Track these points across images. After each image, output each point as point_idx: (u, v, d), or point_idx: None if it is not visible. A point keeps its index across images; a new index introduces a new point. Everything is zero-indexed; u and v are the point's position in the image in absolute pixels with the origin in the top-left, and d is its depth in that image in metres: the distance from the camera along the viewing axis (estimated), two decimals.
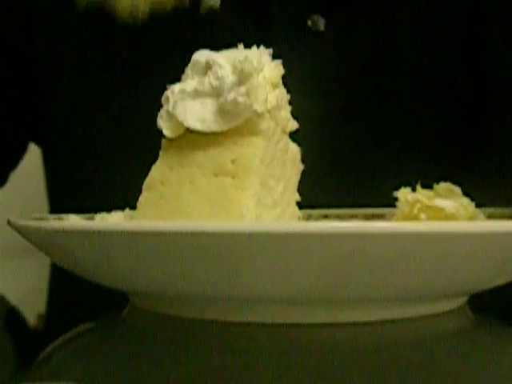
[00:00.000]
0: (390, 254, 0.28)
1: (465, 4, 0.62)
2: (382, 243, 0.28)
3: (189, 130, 0.36)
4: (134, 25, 0.61)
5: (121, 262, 0.31)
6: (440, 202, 0.38)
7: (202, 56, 0.36)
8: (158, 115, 0.36)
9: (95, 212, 0.41)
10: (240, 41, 0.37)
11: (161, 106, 0.36)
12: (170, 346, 0.31)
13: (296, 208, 0.40)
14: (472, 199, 0.39)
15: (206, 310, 0.32)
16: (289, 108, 0.38)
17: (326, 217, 0.47)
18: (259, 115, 0.35)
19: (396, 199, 0.40)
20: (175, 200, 0.35)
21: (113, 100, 0.62)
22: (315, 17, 0.61)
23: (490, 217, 0.41)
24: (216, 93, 0.35)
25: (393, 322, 0.32)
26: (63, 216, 0.41)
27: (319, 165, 0.56)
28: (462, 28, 0.62)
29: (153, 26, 0.62)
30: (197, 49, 0.37)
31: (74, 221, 0.40)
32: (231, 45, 0.37)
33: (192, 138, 0.36)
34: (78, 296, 0.43)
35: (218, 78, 0.35)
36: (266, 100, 0.35)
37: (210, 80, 0.35)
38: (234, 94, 0.34)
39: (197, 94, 0.36)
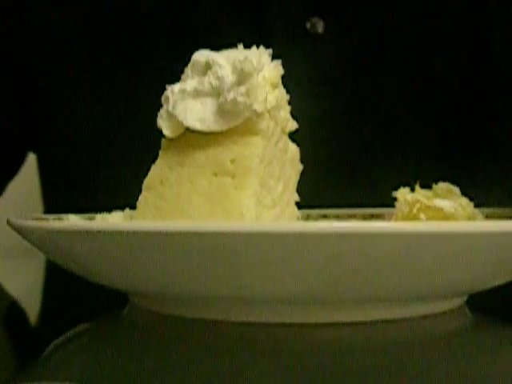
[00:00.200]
0: (390, 253, 0.28)
1: (464, 7, 0.62)
2: (382, 243, 0.28)
3: (189, 130, 0.36)
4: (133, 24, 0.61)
5: (121, 262, 0.31)
6: (439, 202, 0.38)
7: (201, 56, 0.36)
8: (158, 115, 0.36)
9: (95, 212, 0.41)
10: (237, 43, 0.37)
11: (161, 105, 0.36)
12: (169, 345, 0.31)
13: (295, 208, 0.40)
14: (471, 199, 0.39)
15: (206, 309, 0.32)
16: (288, 108, 0.38)
17: (324, 217, 0.47)
18: (259, 115, 0.35)
19: (395, 199, 0.40)
20: (175, 200, 0.35)
21: (113, 100, 0.62)
22: (314, 19, 0.61)
23: (488, 217, 0.41)
24: (216, 92, 0.35)
25: (393, 322, 0.32)
26: (63, 216, 0.41)
27: (318, 165, 0.56)
28: (462, 30, 0.62)
29: (153, 26, 0.62)
30: (196, 50, 0.37)
31: (73, 221, 0.40)
32: (230, 47, 0.37)
33: (192, 138, 0.36)
34: (78, 296, 0.43)
35: (217, 78, 0.35)
36: (265, 100, 0.35)
37: (209, 80, 0.35)
38: (234, 94, 0.34)
39: (197, 93, 0.36)
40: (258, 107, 0.34)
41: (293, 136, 0.40)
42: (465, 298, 0.36)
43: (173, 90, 0.36)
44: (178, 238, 0.28)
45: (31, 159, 0.70)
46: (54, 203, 0.69)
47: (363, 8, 0.62)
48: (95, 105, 0.63)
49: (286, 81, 0.37)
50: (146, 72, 0.61)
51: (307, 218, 0.45)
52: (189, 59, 0.37)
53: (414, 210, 0.38)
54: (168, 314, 0.34)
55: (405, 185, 0.40)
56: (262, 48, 0.36)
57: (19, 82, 0.66)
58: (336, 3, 0.62)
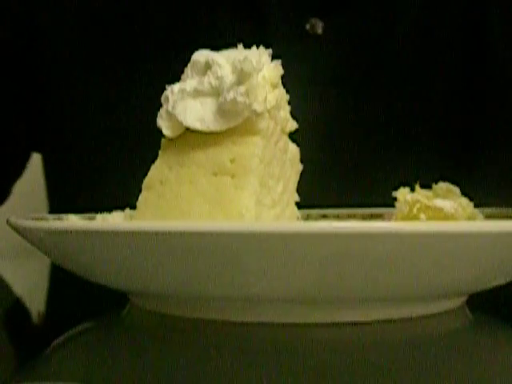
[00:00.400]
0: (390, 253, 0.28)
1: (464, 7, 0.62)
2: (382, 243, 0.28)
3: (188, 130, 0.36)
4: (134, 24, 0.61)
5: (121, 262, 0.31)
6: (439, 203, 0.38)
7: (201, 56, 0.36)
8: (158, 115, 0.36)
9: (96, 212, 0.41)
10: (236, 43, 0.37)
11: (160, 105, 0.36)
12: (170, 346, 0.31)
13: (295, 208, 0.40)
14: (471, 199, 0.39)
15: (206, 309, 0.32)
16: (288, 108, 0.38)
17: (324, 217, 0.47)
18: (258, 115, 0.35)
19: (395, 199, 0.40)
20: (175, 199, 0.35)
21: (112, 100, 0.62)
22: (313, 20, 0.61)
23: (488, 217, 0.41)
24: (215, 92, 0.35)
25: (393, 322, 0.32)
26: (63, 216, 0.40)
27: (318, 165, 0.56)
28: (462, 29, 0.62)
29: (153, 26, 0.62)
30: (196, 50, 0.37)
31: (73, 221, 0.40)
32: (230, 47, 0.37)
33: (191, 138, 0.36)
34: (78, 296, 0.43)
35: (217, 78, 0.35)
36: (265, 100, 0.35)
37: (209, 80, 0.35)
38: (234, 94, 0.34)
39: (196, 93, 0.36)
40: (258, 107, 0.34)
41: (293, 136, 0.39)
42: (465, 298, 0.36)
43: (173, 90, 0.36)
44: (178, 237, 0.28)
45: (36, 160, 0.70)
46: (56, 203, 0.69)
47: (362, 9, 0.62)
48: (95, 105, 0.63)
49: (286, 81, 0.37)
50: (146, 72, 0.61)
51: (307, 218, 0.45)
52: (189, 59, 0.37)
53: (414, 210, 0.38)
54: (168, 313, 0.34)
55: (405, 185, 0.40)
56: (261, 48, 0.36)
57: (22, 86, 0.66)
58: (335, 4, 0.62)
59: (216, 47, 0.37)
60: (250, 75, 0.34)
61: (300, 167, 0.41)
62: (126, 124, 0.62)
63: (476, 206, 0.39)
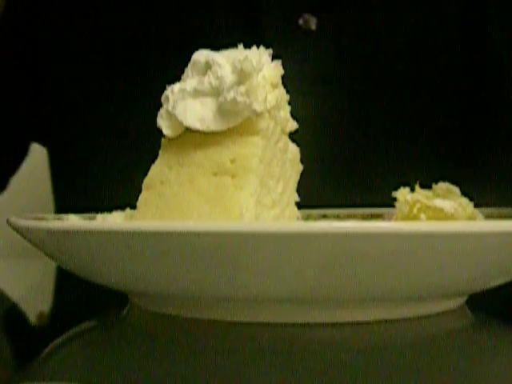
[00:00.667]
0: (390, 253, 0.28)
1: (462, 5, 0.62)
2: (382, 243, 0.28)
3: (188, 130, 0.36)
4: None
5: (121, 262, 0.31)
6: (440, 203, 0.38)
7: (201, 56, 0.36)
8: (158, 114, 0.36)
9: (96, 212, 0.41)
10: (232, 41, 0.37)
11: (161, 105, 0.37)
12: (170, 346, 0.31)
13: (295, 208, 0.40)
14: (471, 199, 0.39)
15: (206, 309, 0.32)
16: (288, 108, 0.38)
17: (324, 217, 0.47)
18: (258, 115, 0.35)
19: (395, 199, 0.40)
20: (175, 199, 0.35)
21: (113, 100, 0.62)
22: (307, 16, 0.61)
23: (488, 217, 0.41)
24: (216, 92, 0.35)
25: (393, 322, 0.32)
26: (63, 216, 0.41)
27: (318, 165, 0.56)
28: (461, 27, 0.62)
29: (153, 26, 0.62)
30: (189, 49, 0.37)
31: (73, 221, 0.40)
32: (222, 44, 0.37)
33: (191, 138, 0.36)
34: (78, 296, 0.43)
35: (217, 78, 0.35)
36: (265, 100, 0.35)
37: (209, 79, 0.35)
38: (234, 94, 0.34)
39: (196, 93, 0.36)
40: (258, 107, 0.34)
41: (293, 136, 0.39)
42: (465, 298, 0.36)
43: (173, 90, 0.36)
44: (178, 237, 0.28)
45: (38, 161, 0.70)
46: (56, 203, 0.69)
47: (356, 4, 0.61)
48: (95, 105, 0.63)
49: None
50: (146, 72, 0.61)
51: (307, 218, 0.45)
52: (189, 59, 0.37)
53: (414, 210, 0.38)
54: (168, 313, 0.34)
55: (405, 185, 0.40)
56: (262, 48, 0.36)
57: (22, 84, 0.66)
58: (329, 0, 0.61)
59: (216, 47, 0.37)
60: (250, 75, 0.34)
61: (300, 167, 0.41)
62: (126, 124, 0.62)
63: (476, 206, 0.39)
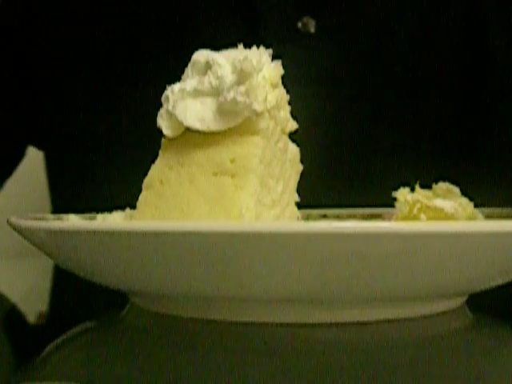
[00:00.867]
0: (390, 253, 0.28)
1: (460, 6, 0.61)
2: (382, 243, 0.28)
3: (188, 130, 0.36)
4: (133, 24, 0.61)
5: (121, 261, 0.31)
6: (439, 203, 0.38)
7: (201, 56, 0.36)
8: (158, 114, 0.36)
9: (96, 212, 0.41)
10: (231, 40, 0.37)
11: (160, 105, 0.37)
12: (170, 346, 0.31)
13: (295, 208, 0.40)
14: (471, 199, 0.39)
15: (206, 309, 0.32)
16: (288, 108, 0.38)
17: (324, 217, 0.47)
18: (258, 115, 0.35)
19: (395, 199, 0.40)
20: (174, 199, 0.35)
21: (113, 100, 0.62)
22: (305, 18, 0.61)
23: (488, 217, 0.41)
24: (216, 92, 0.35)
25: (393, 321, 0.32)
26: (63, 216, 0.41)
27: (318, 165, 0.56)
28: (460, 28, 0.62)
29: (153, 26, 0.62)
30: (189, 49, 0.37)
31: (73, 221, 0.40)
32: (222, 44, 0.37)
33: (191, 138, 0.36)
34: (78, 296, 0.43)
35: (217, 78, 0.35)
36: (265, 99, 0.35)
37: (209, 79, 0.35)
38: (234, 94, 0.34)
39: (196, 93, 0.36)
40: (258, 107, 0.34)
41: (293, 136, 0.39)
42: (465, 298, 0.36)
43: (173, 90, 0.36)
44: (177, 238, 0.28)
45: (36, 160, 0.70)
46: (56, 203, 0.69)
47: (355, 7, 0.61)
48: (95, 105, 0.63)
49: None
50: (146, 72, 0.61)
51: (307, 218, 0.45)
52: (189, 59, 0.37)
53: (415, 211, 0.38)
54: (168, 313, 0.34)
55: (405, 185, 0.40)
56: (262, 48, 0.36)
57: (18, 84, 0.66)
58: (328, 2, 0.61)
59: (216, 47, 0.37)
60: (250, 75, 0.34)
61: (300, 167, 0.41)
62: (126, 124, 0.62)
63: (476, 206, 0.39)
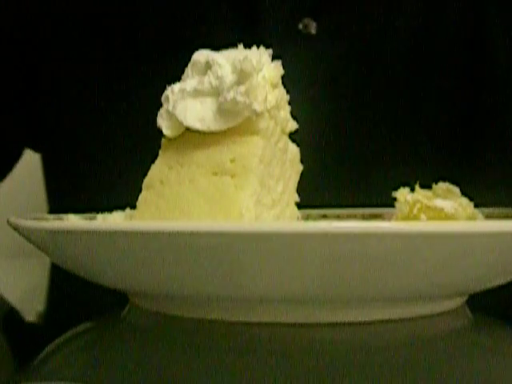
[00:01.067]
0: (390, 253, 0.28)
1: (460, 6, 0.61)
2: (382, 243, 0.28)
3: (188, 130, 0.36)
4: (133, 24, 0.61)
5: (121, 262, 0.31)
6: (440, 203, 0.38)
7: (201, 56, 0.36)
8: (158, 114, 0.36)
9: (96, 212, 0.41)
10: (231, 40, 0.37)
11: (161, 105, 0.37)
12: (170, 346, 0.31)
13: (295, 208, 0.40)
14: (471, 199, 0.39)
15: (206, 309, 0.32)
16: (288, 108, 0.38)
17: (324, 217, 0.47)
18: (258, 114, 0.35)
19: (395, 199, 0.40)
20: (174, 199, 0.35)
21: (113, 100, 0.62)
22: (306, 20, 0.61)
23: (488, 217, 0.41)
24: (216, 92, 0.35)
25: (393, 321, 0.32)
26: (63, 216, 0.41)
27: (318, 165, 0.56)
28: (460, 29, 0.62)
29: (153, 26, 0.62)
30: (189, 49, 0.37)
31: (73, 221, 0.40)
32: (222, 44, 0.37)
33: (191, 138, 0.36)
34: (78, 296, 0.43)
35: (217, 78, 0.35)
36: (265, 99, 0.35)
37: (209, 79, 0.35)
38: (234, 94, 0.34)
39: (196, 93, 0.36)
40: (258, 107, 0.34)
41: (293, 136, 0.40)
42: (465, 298, 0.36)
43: (173, 90, 0.36)
44: (178, 237, 0.28)
45: (35, 160, 0.70)
46: (56, 204, 0.69)
47: (356, 8, 0.61)
48: (96, 105, 0.63)
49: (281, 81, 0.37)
50: (146, 72, 0.61)
51: (307, 218, 0.45)
52: (189, 59, 0.37)
53: (415, 211, 0.38)
54: (168, 313, 0.34)
55: (405, 185, 0.40)
56: (262, 48, 0.36)
57: (21, 83, 0.66)
58: (328, 4, 0.62)
59: (216, 47, 0.37)
60: (250, 75, 0.34)
61: (300, 167, 0.41)
62: (126, 124, 0.62)
63: (476, 206, 0.39)
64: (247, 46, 0.37)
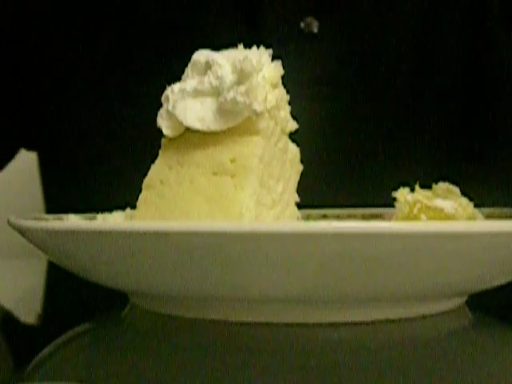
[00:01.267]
0: (390, 253, 0.28)
1: (463, 6, 0.61)
2: (382, 243, 0.28)
3: (188, 130, 0.36)
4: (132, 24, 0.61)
5: (121, 261, 0.31)
6: (440, 203, 0.38)
7: (201, 56, 0.36)
8: (158, 114, 0.36)
9: (96, 212, 0.41)
10: (233, 41, 0.37)
11: (161, 105, 0.37)
12: (170, 346, 0.31)
13: (295, 208, 0.40)
14: (471, 199, 0.39)
15: (206, 309, 0.32)
16: (288, 108, 0.38)
17: (324, 217, 0.47)
18: (258, 114, 0.35)
19: (395, 199, 0.40)
20: (174, 199, 0.35)
21: (113, 100, 0.62)
22: (309, 19, 0.61)
23: (488, 217, 0.41)
24: (216, 92, 0.35)
25: (393, 322, 0.32)
26: (63, 216, 0.41)
27: (318, 165, 0.56)
28: (461, 29, 0.62)
29: (152, 26, 0.62)
30: (189, 49, 0.37)
31: (73, 221, 0.40)
32: (222, 44, 0.37)
33: (191, 137, 0.36)
34: (78, 296, 0.43)
35: (217, 78, 0.35)
36: (265, 99, 0.35)
37: (209, 79, 0.35)
38: (234, 94, 0.34)
39: (196, 93, 0.36)
40: (258, 107, 0.34)
41: (293, 136, 0.40)
42: (465, 298, 0.36)
43: (173, 90, 0.36)
44: (177, 238, 0.28)
45: (32, 159, 0.70)
46: (55, 203, 0.69)
47: (358, 7, 0.61)
48: (96, 105, 0.63)
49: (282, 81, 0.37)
50: (146, 72, 0.61)
51: (307, 218, 0.45)
52: (189, 59, 0.37)
53: (415, 211, 0.38)
54: (168, 314, 0.34)
55: (405, 185, 0.40)
56: (262, 48, 0.36)
57: (20, 82, 0.66)
58: (331, 3, 0.61)
59: (216, 47, 0.37)
60: (250, 75, 0.34)
61: (300, 167, 0.41)
62: (126, 124, 0.62)
63: (476, 205, 0.39)
64: (247, 45, 0.37)
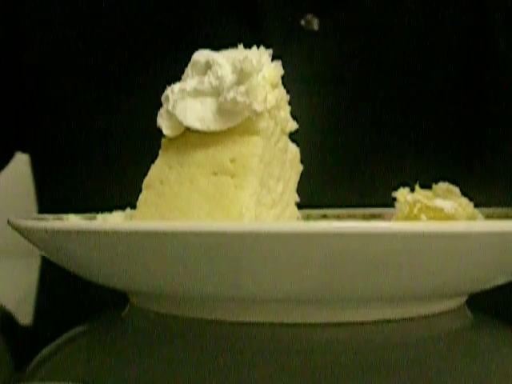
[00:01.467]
0: (390, 253, 0.28)
1: (464, 6, 0.62)
2: (382, 243, 0.28)
3: (188, 129, 0.36)
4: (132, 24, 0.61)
5: (121, 261, 0.31)
6: (440, 203, 0.38)
7: (201, 56, 0.36)
8: (158, 114, 0.36)
9: (96, 212, 0.41)
10: (233, 41, 0.37)
11: (160, 105, 0.37)
12: (169, 346, 0.31)
13: (295, 208, 0.40)
14: (471, 199, 0.39)
15: (206, 309, 0.32)
16: (288, 108, 0.38)
17: (324, 217, 0.47)
18: (258, 114, 0.35)
19: (395, 199, 0.40)
20: (174, 199, 0.35)
21: (113, 100, 0.62)
22: (309, 16, 0.61)
23: (488, 217, 0.41)
24: (216, 92, 0.35)
25: (393, 322, 0.32)
26: (63, 216, 0.41)
27: (318, 165, 0.56)
28: (461, 28, 0.62)
29: (153, 26, 0.62)
30: (189, 49, 0.37)
31: (73, 221, 0.40)
32: (222, 44, 0.37)
33: (191, 137, 0.36)
34: (78, 296, 0.43)
35: (217, 78, 0.35)
36: (265, 99, 0.35)
37: (209, 79, 0.35)
38: (234, 94, 0.34)
39: (196, 93, 0.36)
40: (258, 107, 0.34)
41: (293, 136, 0.40)
42: (465, 298, 0.36)
43: (173, 90, 0.36)
44: (178, 237, 0.28)
45: (27, 160, 0.70)
46: (55, 204, 0.69)
47: (358, 4, 0.61)
48: (96, 105, 0.63)
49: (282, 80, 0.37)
50: (146, 72, 0.61)
51: (307, 218, 0.45)
52: (189, 59, 0.37)
53: (415, 211, 0.38)
54: (168, 313, 0.34)
55: (405, 185, 0.40)
56: (262, 48, 0.36)
57: (13, 81, 0.66)
58: (331, 0, 0.61)
59: (216, 47, 0.37)
60: (250, 75, 0.34)
61: (300, 167, 0.41)
62: (126, 124, 0.62)
63: (476, 205, 0.39)
64: (247, 45, 0.37)
